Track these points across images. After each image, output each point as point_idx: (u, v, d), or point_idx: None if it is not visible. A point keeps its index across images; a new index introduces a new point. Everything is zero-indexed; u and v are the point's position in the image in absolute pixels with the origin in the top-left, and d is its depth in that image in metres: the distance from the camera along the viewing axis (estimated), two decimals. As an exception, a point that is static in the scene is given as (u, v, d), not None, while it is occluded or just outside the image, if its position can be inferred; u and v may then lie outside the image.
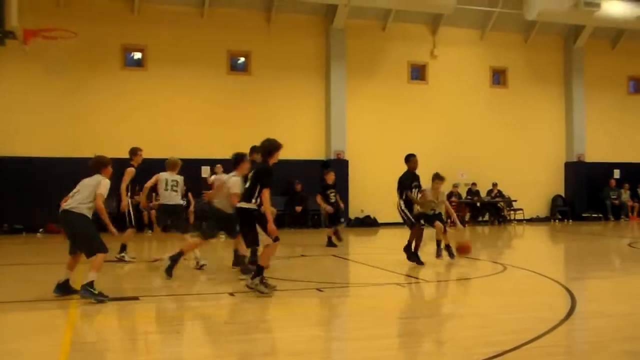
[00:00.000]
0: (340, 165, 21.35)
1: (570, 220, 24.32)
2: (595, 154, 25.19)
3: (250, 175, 8.83)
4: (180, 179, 11.60)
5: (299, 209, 21.02)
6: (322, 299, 8.63)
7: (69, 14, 19.55)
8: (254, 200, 8.48)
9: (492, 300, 8.57)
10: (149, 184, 11.52)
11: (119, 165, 10.91)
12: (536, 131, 24.94)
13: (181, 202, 11.94)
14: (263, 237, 8.39)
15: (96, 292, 7.90)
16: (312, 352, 5.90)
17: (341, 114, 22.27)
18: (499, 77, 24.71)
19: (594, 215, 24.83)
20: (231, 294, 8.69)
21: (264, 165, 8.69)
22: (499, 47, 24.37)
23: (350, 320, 7.68)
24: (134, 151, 12.26)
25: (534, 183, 24.37)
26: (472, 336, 6.49)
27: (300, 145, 21.39)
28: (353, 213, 22.38)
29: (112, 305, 7.86)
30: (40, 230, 19.03)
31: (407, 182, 11.90)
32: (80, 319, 7.39)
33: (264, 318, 7.57)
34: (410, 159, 12.06)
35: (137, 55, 21.17)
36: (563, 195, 25.25)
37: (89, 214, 8.09)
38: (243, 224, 8.91)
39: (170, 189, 11.42)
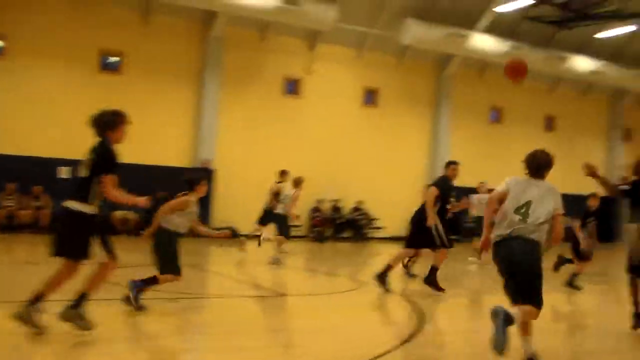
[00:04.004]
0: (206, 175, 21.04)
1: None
2: (458, 178, 26.25)
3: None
4: None
5: None
6: (173, 310, 8.44)
7: None
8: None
9: (345, 315, 8.69)
10: None
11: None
12: (403, 152, 25.78)
13: None
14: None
15: None
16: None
17: (212, 122, 22.00)
18: (371, 96, 25.33)
19: (453, 237, 25.77)
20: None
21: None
22: (373, 68, 25.02)
23: (198, 332, 7.50)
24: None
25: (397, 202, 25.03)
26: (323, 351, 6.56)
27: (167, 151, 21.08)
28: (216, 223, 22.09)
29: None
30: None
31: (449, 192, 10.67)
32: None
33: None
34: (450, 165, 10.86)
35: (-1, 43, 19.82)
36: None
37: None
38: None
39: None
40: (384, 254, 18.77)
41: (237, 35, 22.45)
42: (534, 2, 23.41)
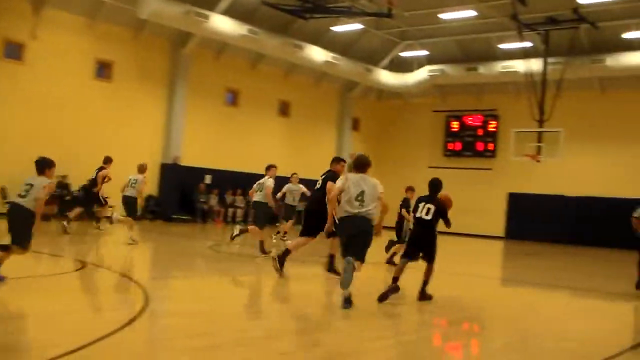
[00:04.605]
0: None
1: (161, 221, 24.69)
2: (190, 158, 26.02)
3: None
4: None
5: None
6: None
7: None
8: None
9: (60, 299, 7.95)
10: None
11: None
12: (137, 130, 24.83)
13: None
14: None
15: None
16: None
17: None
18: (104, 69, 24.00)
19: (183, 217, 25.57)
20: None
21: None
22: (107, 40, 23.71)
23: None
24: None
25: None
26: (28, 339, 5.88)
27: None
28: None
29: None
30: None
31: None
32: None
33: None
34: (340, 162, 11.71)
35: None
36: (156, 195, 25.52)
37: None
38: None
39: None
40: (114, 234, 17.92)
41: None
42: (273, -11, 23.81)
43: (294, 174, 19.78)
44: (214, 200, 26.75)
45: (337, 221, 8.80)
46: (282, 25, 27.12)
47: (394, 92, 33.74)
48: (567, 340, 7.66)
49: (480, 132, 32.40)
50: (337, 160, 11.92)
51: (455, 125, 33.12)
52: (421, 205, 9.51)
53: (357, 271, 8.29)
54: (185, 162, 25.90)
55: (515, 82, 29.72)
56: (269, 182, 15.01)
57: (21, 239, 8.06)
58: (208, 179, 26.85)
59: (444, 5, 25.45)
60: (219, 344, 6.28)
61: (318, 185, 11.43)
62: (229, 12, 24.64)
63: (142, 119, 25.03)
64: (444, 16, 26.52)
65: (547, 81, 26.66)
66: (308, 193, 17.07)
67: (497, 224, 30.39)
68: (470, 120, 32.71)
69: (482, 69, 29.83)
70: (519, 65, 27.38)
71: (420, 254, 9.47)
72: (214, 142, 27.10)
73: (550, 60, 26.67)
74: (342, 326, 7.81)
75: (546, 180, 29.34)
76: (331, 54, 28.74)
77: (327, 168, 11.61)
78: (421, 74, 31.58)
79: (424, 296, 9.47)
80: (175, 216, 25.43)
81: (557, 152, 24.81)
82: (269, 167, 15.36)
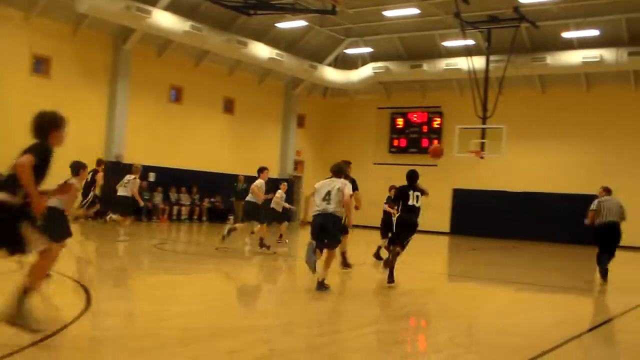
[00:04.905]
0: None
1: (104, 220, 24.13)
2: (133, 156, 25.51)
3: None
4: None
5: None
6: None
7: None
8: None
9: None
10: None
11: None
12: (78, 127, 23.96)
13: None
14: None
15: None
16: None
17: None
18: (42, 65, 23.35)
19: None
20: None
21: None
22: (45, 35, 23.05)
23: None
24: None
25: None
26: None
27: None
28: None
29: None
30: None
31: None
32: None
33: None
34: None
35: None
36: (98, 193, 24.90)
37: None
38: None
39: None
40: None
41: None
42: (217, -15, 23.56)
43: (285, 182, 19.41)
44: (158, 198, 26.35)
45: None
46: (226, 21, 26.86)
47: (339, 89, 33.81)
48: (509, 334, 7.76)
49: (425, 128, 32.70)
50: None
51: (400, 122, 33.37)
52: (411, 193, 11.18)
53: (318, 258, 9.77)
54: (128, 159, 25.40)
55: (459, 80, 30.11)
56: (258, 182, 15.70)
57: (54, 234, 7.70)
58: (152, 176, 26.43)
59: (388, 3, 25.58)
60: (165, 343, 6.15)
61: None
62: (172, 8, 24.25)
63: (83, 116, 24.35)
64: (388, 13, 26.66)
65: (490, 79, 27.08)
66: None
67: (443, 219, 30.76)
68: (415, 117, 32.99)
69: (426, 66, 30.11)
70: (462, 63, 27.71)
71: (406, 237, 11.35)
72: (157, 139, 26.67)
73: (492, 58, 27.09)
74: (289, 323, 7.75)
75: (490, 176, 29.81)
76: (276, 51, 28.60)
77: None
78: (365, 71, 31.72)
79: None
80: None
81: (500, 148, 25.21)
82: (262, 170, 16.02)
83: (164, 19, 24.09)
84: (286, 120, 33.00)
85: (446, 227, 30.87)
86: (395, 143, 33.43)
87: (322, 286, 9.68)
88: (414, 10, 26.06)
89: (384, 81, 32.53)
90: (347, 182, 10.22)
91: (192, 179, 27.77)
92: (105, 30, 24.67)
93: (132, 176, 17.23)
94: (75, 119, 25.02)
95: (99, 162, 19.38)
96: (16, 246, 5.76)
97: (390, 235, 12.40)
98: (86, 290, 8.56)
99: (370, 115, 34.19)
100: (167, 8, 24.09)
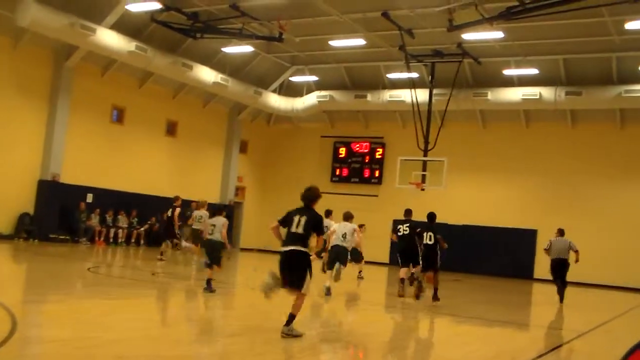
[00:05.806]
0: None
1: (37, 240, 23.42)
2: (72, 176, 24.92)
3: None
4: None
5: None
6: None
7: None
8: None
9: None
10: None
11: None
12: (13, 144, 23.50)
13: None
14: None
15: None
16: None
17: None
18: (-23, 80, 22.69)
19: (62, 237, 24.41)
20: None
21: None
22: (-18, 48, 22.45)
23: None
24: None
25: (3, 199, 22.85)
26: None
27: None
28: None
29: None
30: None
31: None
32: None
33: None
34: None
35: None
36: (32, 213, 24.23)
37: None
38: None
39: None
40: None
41: None
42: (163, 7, 23.31)
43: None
44: (95, 220, 25.70)
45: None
46: (172, 43, 26.63)
47: (284, 116, 33.82)
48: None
49: (367, 158, 32.92)
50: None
51: (342, 151, 33.52)
52: (425, 234, 14.83)
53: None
54: (66, 179, 24.76)
55: (402, 111, 30.47)
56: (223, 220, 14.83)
57: None
58: (89, 197, 25.80)
59: (334, 32, 25.78)
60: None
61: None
62: (117, 27, 23.90)
63: (19, 133, 23.71)
64: (334, 43, 26.86)
65: (433, 112, 27.44)
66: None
67: (383, 250, 30.81)
68: (357, 147, 33.19)
69: (370, 97, 30.41)
70: (406, 95, 28.07)
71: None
72: (97, 159, 26.10)
73: (435, 91, 27.50)
74: (225, 350, 7.55)
75: (430, 208, 29.89)
76: (221, 75, 28.48)
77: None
78: (310, 99, 31.84)
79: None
80: (54, 235, 24.21)
81: (440, 181, 25.47)
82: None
83: (109, 38, 23.73)
84: (229, 146, 32.76)
85: (386, 258, 30.89)
86: (338, 172, 33.53)
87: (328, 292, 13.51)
88: (359, 41, 26.31)
89: (328, 110, 32.70)
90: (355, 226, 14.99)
91: (131, 201, 27.21)
92: (47, 46, 24.18)
93: (205, 212, 17.74)
94: (10, 136, 24.59)
95: (176, 198, 20.11)
96: None
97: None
98: (11, 316, 8.19)
99: (314, 143, 34.24)
100: (113, 27, 23.74)
